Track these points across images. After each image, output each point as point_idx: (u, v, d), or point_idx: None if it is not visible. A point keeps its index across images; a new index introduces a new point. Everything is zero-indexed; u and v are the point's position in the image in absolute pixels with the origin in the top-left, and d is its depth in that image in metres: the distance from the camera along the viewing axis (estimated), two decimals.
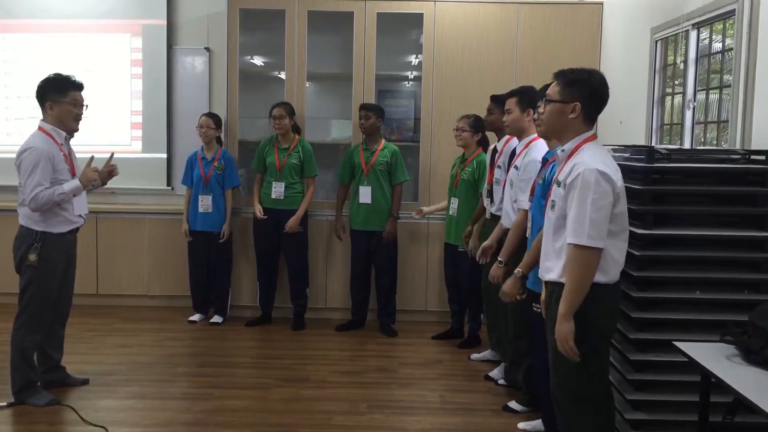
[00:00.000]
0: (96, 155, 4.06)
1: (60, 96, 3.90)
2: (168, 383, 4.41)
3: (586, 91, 2.76)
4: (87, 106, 4.01)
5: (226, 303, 5.76)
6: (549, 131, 2.94)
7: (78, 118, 3.97)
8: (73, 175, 3.98)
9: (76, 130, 4.02)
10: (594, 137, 2.81)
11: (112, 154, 4.15)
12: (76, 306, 5.77)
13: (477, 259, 4.42)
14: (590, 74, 2.78)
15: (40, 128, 3.94)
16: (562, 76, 2.81)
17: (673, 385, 3.31)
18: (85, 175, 3.92)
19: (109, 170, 4.08)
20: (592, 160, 2.67)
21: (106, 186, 4.24)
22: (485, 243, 4.32)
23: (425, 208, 5.53)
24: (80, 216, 4.05)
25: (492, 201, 4.54)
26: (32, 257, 3.86)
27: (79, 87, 3.96)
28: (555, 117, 2.82)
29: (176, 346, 5.13)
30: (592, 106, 2.79)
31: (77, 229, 4.08)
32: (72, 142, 4.08)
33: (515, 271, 3.52)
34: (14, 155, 6.20)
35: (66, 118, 3.92)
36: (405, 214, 5.58)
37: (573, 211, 2.65)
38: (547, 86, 3.44)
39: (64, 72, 3.99)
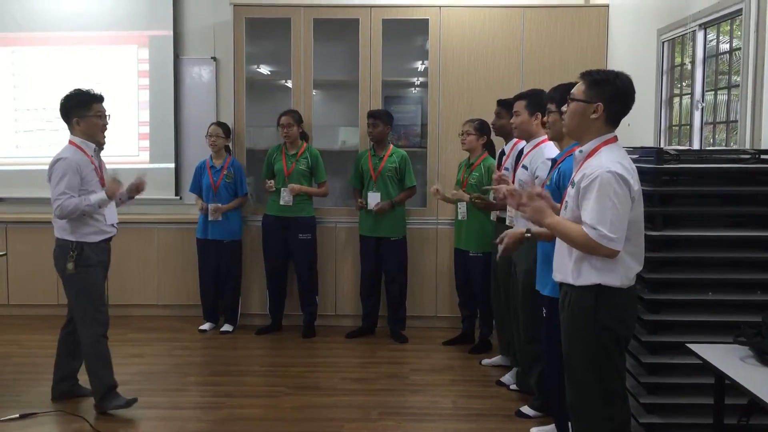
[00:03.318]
0: (107, 166, 4.13)
1: (84, 110, 3.95)
2: (179, 392, 4.41)
3: (610, 93, 2.72)
4: (110, 116, 4.06)
5: (236, 311, 5.77)
6: (570, 131, 2.88)
7: (104, 129, 4.04)
8: (103, 185, 4.02)
9: (104, 142, 4.08)
10: (614, 139, 2.77)
11: (144, 174, 4.25)
12: None
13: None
14: (617, 76, 2.75)
15: (70, 141, 3.99)
16: (587, 75, 2.78)
17: (687, 388, 3.29)
18: (110, 188, 3.97)
19: (138, 185, 4.13)
20: (611, 163, 2.63)
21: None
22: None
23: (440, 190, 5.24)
24: (113, 225, 4.09)
25: None
26: (70, 266, 3.90)
27: (100, 99, 4.02)
28: (577, 116, 2.79)
29: (187, 355, 5.13)
30: (616, 108, 2.75)
31: (110, 238, 4.10)
32: None
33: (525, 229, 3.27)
34: (24, 167, 6.32)
35: (93, 130, 3.99)
36: (414, 220, 5.60)
37: (592, 213, 2.60)
38: (555, 88, 3.46)
39: (78, 85, 4.07)
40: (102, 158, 4.15)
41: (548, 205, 2.84)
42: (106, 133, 4.07)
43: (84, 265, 3.92)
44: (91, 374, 4.00)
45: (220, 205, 5.56)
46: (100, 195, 3.92)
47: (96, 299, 4.02)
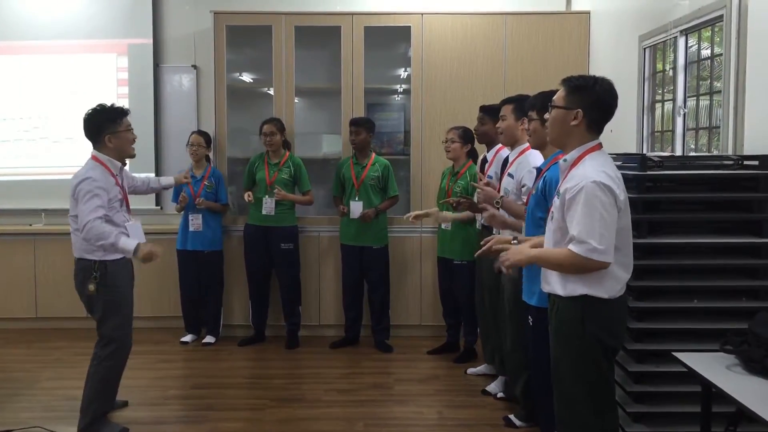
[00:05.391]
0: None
1: (116, 126, 3.83)
2: (161, 407, 4.33)
3: (589, 99, 2.68)
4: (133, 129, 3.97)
5: (218, 323, 5.70)
6: (552, 138, 2.85)
7: (133, 141, 3.94)
8: (127, 205, 3.93)
9: (134, 155, 3.99)
10: (599, 147, 2.73)
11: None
12: (66, 329, 5.79)
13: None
14: (596, 82, 2.71)
15: (94, 158, 3.84)
16: (568, 82, 2.75)
17: (674, 397, 3.27)
18: (144, 251, 3.70)
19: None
20: (595, 172, 2.59)
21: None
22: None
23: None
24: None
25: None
26: (91, 287, 3.75)
27: (127, 112, 3.91)
28: (558, 123, 2.76)
29: (168, 368, 5.05)
30: (596, 115, 2.71)
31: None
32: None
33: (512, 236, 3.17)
34: (0, 178, 6.20)
35: (126, 145, 3.88)
36: (397, 228, 5.56)
37: (579, 225, 2.56)
38: (536, 96, 3.44)
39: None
40: (126, 171, 4.07)
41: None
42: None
43: (109, 285, 3.78)
44: (87, 395, 3.84)
45: (203, 199, 5.48)
46: (130, 245, 3.67)
47: (124, 321, 3.88)
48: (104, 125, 3.81)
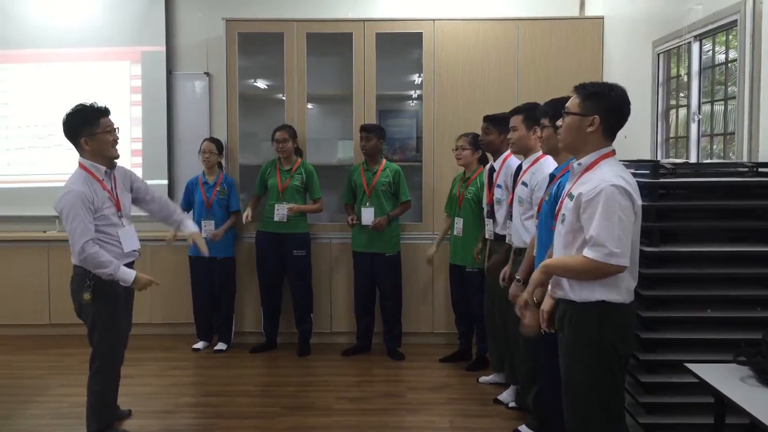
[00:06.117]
0: None
1: (92, 127, 3.62)
2: (171, 414, 4.33)
3: (605, 105, 2.69)
4: (118, 128, 3.76)
5: (230, 329, 5.70)
6: (566, 145, 2.83)
7: (115, 143, 3.71)
8: (119, 210, 3.75)
9: (117, 156, 3.76)
10: (612, 153, 2.74)
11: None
12: (78, 336, 5.73)
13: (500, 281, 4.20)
14: (611, 88, 2.72)
15: (80, 165, 3.70)
16: (581, 89, 2.75)
17: (687, 408, 3.21)
18: (141, 282, 3.70)
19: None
20: (613, 176, 2.60)
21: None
22: (505, 268, 4.12)
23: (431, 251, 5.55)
24: (134, 251, 3.85)
25: (495, 221, 4.46)
26: (86, 296, 3.65)
27: (107, 112, 3.68)
28: (573, 130, 2.75)
29: (180, 375, 5.06)
30: (612, 121, 2.72)
31: (132, 262, 3.85)
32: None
33: (515, 278, 3.41)
34: (15, 185, 6.26)
35: (104, 148, 3.67)
36: (410, 235, 5.53)
37: (597, 228, 2.55)
38: (548, 103, 3.41)
39: (71, 102, 3.72)
40: (127, 171, 3.91)
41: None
42: (118, 147, 3.76)
43: (102, 296, 3.66)
44: (89, 408, 3.79)
45: (215, 230, 5.48)
46: (127, 275, 3.63)
47: (112, 333, 3.79)
48: (80, 128, 3.63)
